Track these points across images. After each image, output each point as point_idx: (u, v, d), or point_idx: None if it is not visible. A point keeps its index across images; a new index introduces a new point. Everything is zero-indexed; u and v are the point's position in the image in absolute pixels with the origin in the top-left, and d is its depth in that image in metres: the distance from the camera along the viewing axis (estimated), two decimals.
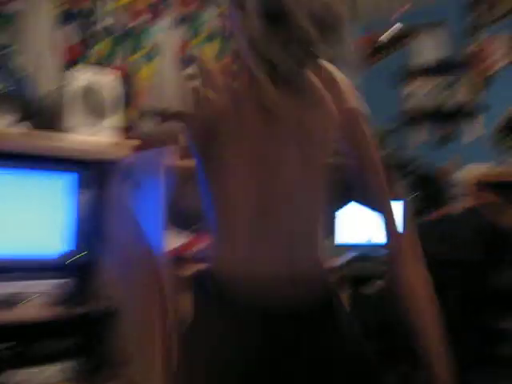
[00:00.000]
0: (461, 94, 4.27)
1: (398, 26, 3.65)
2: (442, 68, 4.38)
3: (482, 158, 3.98)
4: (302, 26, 1.15)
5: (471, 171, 3.89)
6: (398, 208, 4.08)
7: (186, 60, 3.52)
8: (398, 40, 4.27)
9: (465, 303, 3.11)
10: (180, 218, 2.68)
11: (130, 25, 3.22)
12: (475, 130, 4.30)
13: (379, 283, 3.43)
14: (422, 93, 4.47)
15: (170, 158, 2.62)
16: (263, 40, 1.17)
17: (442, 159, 4.39)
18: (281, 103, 1.22)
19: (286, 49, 1.17)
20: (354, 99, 1.34)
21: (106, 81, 2.77)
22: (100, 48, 3.06)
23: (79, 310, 2.55)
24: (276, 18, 1.16)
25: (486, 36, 4.27)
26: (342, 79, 1.34)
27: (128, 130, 3.04)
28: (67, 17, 2.97)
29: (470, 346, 3.12)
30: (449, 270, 3.05)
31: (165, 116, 3.26)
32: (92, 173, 2.83)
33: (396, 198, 4.14)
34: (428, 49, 4.45)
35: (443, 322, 1.35)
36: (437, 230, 3.40)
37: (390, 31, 3.65)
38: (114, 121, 2.78)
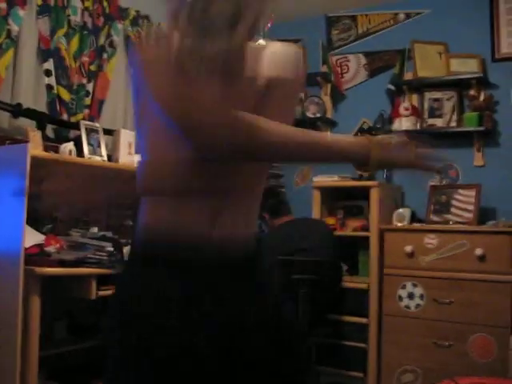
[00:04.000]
0: (312, 109, 4.52)
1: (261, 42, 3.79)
2: None
3: (330, 170, 4.25)
4: None
5: (318, 182, 4.14)
6: None
7: (46, 53, 3.38)
8: None
9: (316, 300, 3.31)
10: (36, 216, 2.58)
11: None
12: None
13: None
14: None
15: (27, 152, 2.51)
16: None
17: (293, 169, 4.63)
18: None
19: None
20: None
21: None
22: None
23: None
24: None
25: (340, 55, 4.58)
26: None
27: None
28: None
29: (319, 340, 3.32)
30: (302, 270, 3.23)
31: (18, 111, 3.11)
32: None
33: None
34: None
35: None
36: (287, 234, 3.59)
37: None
38: None
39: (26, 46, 3.32)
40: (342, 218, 4.15)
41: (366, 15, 4.49)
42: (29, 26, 3.33)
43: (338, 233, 4.05)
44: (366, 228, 3.96)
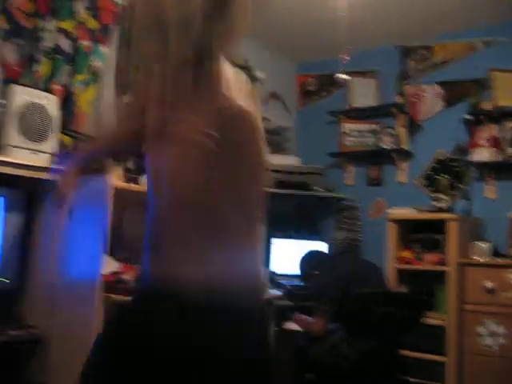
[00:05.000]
0: (387, 141, 4.46)
1: (341, 76, 3.82)
2: (371, 114, 4.58)
3: (406, 203, 4.17)
4: None
5: (393, 215, 4.06)
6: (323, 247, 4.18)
7: (126, 88, 3.50)
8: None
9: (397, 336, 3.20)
10: (115, 244, 2.65)
11: (73, 48, 3.19)
12: (400, 175, 4.50)
13: None
14: (353, 136, 4.64)
15: (107, 184, 2.59)
16: None
17: (367, 201, 4.57)
18: None
19: None
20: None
21: (44, 102, 2.72)
22: (41, 69, 3.01)
23: (1, 337, 2.44)
24: None
25: (416, 86, 4.51)
26: None
27: (63, 155, 2.98)
28: (10, 34, 2.91)
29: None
30: (384, 304, 3.14)
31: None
32: (22, 196, 2.75)
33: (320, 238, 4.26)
34: (361, 94, 4.65)
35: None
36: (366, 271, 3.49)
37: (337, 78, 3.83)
38: (49, 144, 2.72)
39: (108, 82, 3.45)
40: (418, 251, 4.04)
41: (443, 44, 4.42)
42: (110, 62, 3.47)
43: (414, 266, 3.95)
44: (442, 262, 3.83)
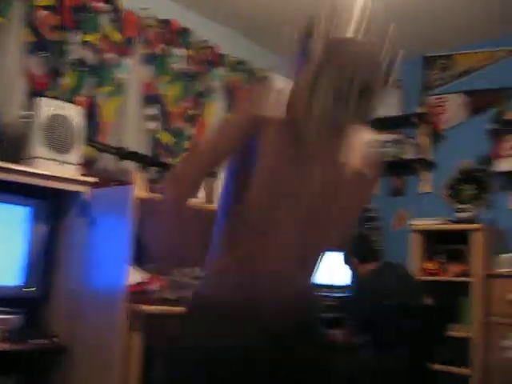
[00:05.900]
0: (411, 150, 4.44)
1: None
2: (394, 124, 4.55)
3: (429, 213, 4.13)
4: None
5: (417, 225, 4.03)
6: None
7: (149, 99, 3.54)
8: None
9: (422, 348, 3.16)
10: (140, 255, 2.65)
11: (97, 61, 3.23)
12: (423, 185, 4.47)
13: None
14: (375, 146, 4.61)
15: (131, 194, 2.61)
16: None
17: (390, 211, 4.53)
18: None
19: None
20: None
21: (69, 114, 2.75)
22: (66, 81, 3.05)
23: (26, 346, 2.45)
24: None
25: (438, 96, 4.49)
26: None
27: (88, 165, 3.01)
28: (36, 47, 2.96)
29: None
30: (410, 315, 3.10)
31: (123, 154, 3.25)
32: (48, 206, 2.78)
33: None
34: (383, 104, 4.62)
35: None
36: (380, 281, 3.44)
37: None
38: (74, 155, 2.75)
39: (131, 93, 3.49)
40: (442, 262, 3.99)
41: (466, 54, 4.39)
42: (134, 73, 3.51)
43: (438, 278, 3.90)
44: (467, 273, 3.79)
